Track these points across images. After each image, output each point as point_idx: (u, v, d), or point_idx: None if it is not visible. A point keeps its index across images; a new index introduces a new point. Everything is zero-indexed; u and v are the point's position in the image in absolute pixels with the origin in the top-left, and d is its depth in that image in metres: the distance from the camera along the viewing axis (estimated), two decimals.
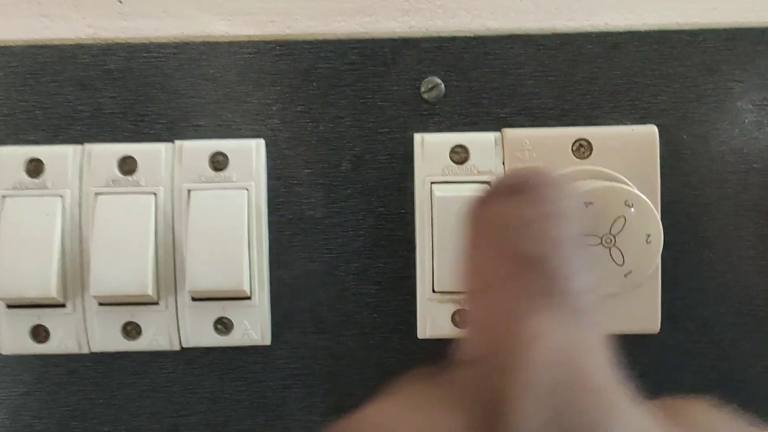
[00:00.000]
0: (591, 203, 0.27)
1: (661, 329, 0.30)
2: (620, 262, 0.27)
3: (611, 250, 0.27)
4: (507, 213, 0.20)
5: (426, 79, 0.30)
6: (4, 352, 0.29)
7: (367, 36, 0.30)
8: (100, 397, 0.30)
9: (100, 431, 0.30)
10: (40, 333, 0.29)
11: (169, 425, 0.30)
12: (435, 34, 0.30)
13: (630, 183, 0.28)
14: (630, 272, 0.27)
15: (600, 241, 0.27)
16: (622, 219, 0.27)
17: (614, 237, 0.27)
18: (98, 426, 0.30)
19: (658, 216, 0.27)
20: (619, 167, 0.29)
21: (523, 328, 0.18)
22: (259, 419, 0.30)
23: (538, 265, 0.19)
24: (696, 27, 0.30)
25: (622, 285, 0.27)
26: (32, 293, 0.28)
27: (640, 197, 0.27)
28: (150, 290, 0.28)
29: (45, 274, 0.28)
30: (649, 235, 0.27)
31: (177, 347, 0.29)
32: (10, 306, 0.29)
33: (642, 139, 0.29)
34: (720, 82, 0.30)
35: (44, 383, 0.30)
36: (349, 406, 0.30)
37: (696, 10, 0.31)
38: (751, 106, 0.30)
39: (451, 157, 0.29)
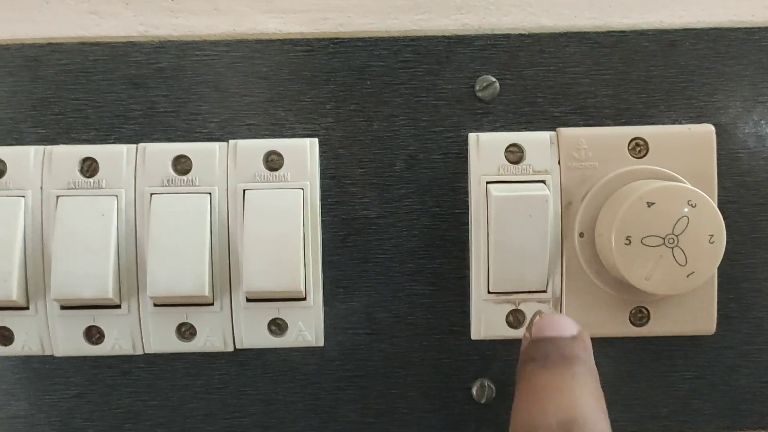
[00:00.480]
0: (653, 203, 0.26)
1: (716, 330, 0.30)
2: (683, 263, 0.26)
3: (674, 250, 0.26)
4: None
5: (480, 78, 0.30)
6: (57, 354, 0.29)
7: (420, 33, 0.30)
8: (153, 398, 0.30)
9: None
10: (93, 334, 0.29)
11: (223, 427, 0.30)
12: (489, 32, 0.30)
13: (687, 183, 0.28)
14: (693, 273, 0.27)
15: (663, 241, 0.26)
16: (685, 219, 0.26)
17: (677, 237, 0.26)
18: (152, 428, 0.30)
19: (721, 216, 0.27)
20: (675, 167, 0.29)
21: None
22: (312, 421, 0.30)
23: None
24: (752, 25, 0.30)
25: (684, 285, 0.27)
26: (88, 294, 0.27)
27: (704, 197, 0.26)
28: (207, 291, 0.28)
29: (101, 274, 0.27)
30: (712, 236, 0.26)
31: (231, 348, 0.29)
32: (63, 307, 0.28)
33: (699, 138, 0.29)
34: None
35: (97, 385, 0.30)
36: (402, 408, 0.30)
37: (751, 7, 0.30)
38: None
39: (506, 157, 0.29)
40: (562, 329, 0.25)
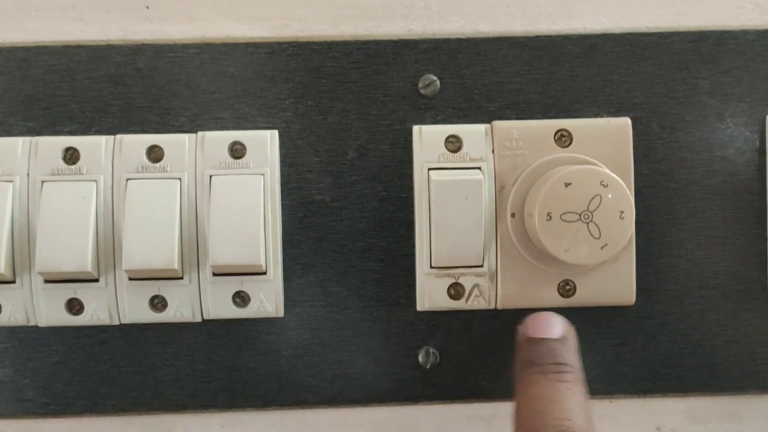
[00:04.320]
0: (570, 183, 0.30)
1: (636, 302, 0.33)
2: (597, 236, 0.30)
3: (589, 225, 0.30)
4: None
5: (423, 77, 0.33)
6: (41, 324, 0.32)
7: (370, 38, 0.33)
8: (128, 365, 0.33)
9: (128, 396, 0.33)
10: (74, 306, 0.32)
11: (191, 391, 0.33)
12: (431, 37, 0.34)
13: (604, 167, 0.32)
14: (606, 245, 0.30)
15: (579, 217, 0.30)
16: (598, 197, 0.30)
17: (591, 213, 0.30)
18: (126, 392, 0.33)
19: (631, 194, 0.30)
20: (596, 155, 0.32)
21: None
22: (273, 385, 0.33)
23: None
24: (665, 30, 0.34)
25: (598, 256, 0.30)
26: (69, 268, 0.30)
27: (614, 177, 0.30)
28: (176, 265, 0.31)
29: (81, 251, 0.31)
30: (622, 212, 0.30)
31: (199, 319, 0.32)
32: (47, 281, 0.31)
33: (617, 129, 0.33)
34: (687, 80, 0.34)
35: (77, 353, 0.33)
36: (354, 374, 0.33)
37: (665, 15, 0.34)
38: (714, 101, 0.34)
39: (446, 146, 0.33)
40: (552, 330, 0.30)
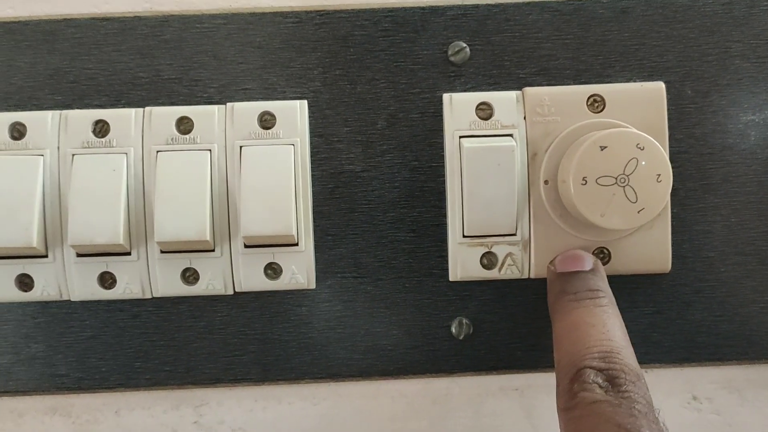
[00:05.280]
0: (606, 147, 0.29)
1: (671, 269, 0.32)
2: (633, 200, 0.29)
3: (625, 189, 0.29)
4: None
5: (452, 44, 0.33)
6: (73, 299, 0.32)
7: (398, 5, 0.33)
8: (161, 339, 0.33)
9: (161, 371, 0.33)
10: (106, 279, 0.32)
11: (224, 364, 0.33)
12: (460, 3, 0.33)
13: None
14: (643, 209, 0.30)
15: (615, 181, 0.29)
16: (635, 161, 0.29)
17: (628, 177, 0.29)
18: (159, 366, 0.33)
19: (667, 157, 0.30)
20: (630, 120, 0.32)
21: None
22: (305, 358, 0.33)
23: None
24: None
25: (635, 221, 0.30)
26: (101, 240, 0.30)
27: (650, 140, 0.29)
28: (208, 236, 0.30)
29: (113, 223, 0.30)
30: (659, 175, 0.29)
31: (231, 292, 0.32)
32: (79, 255, 0.31)
33: (651, 94, 0.32)
34: (719, 42, 0.33)
35: (110, 327, 0.33)
36: (387, 346, 0.33)
37: None
38: (747, 63, 0.33)
39: (477, 114, 0.32)
40: (582, 264, 0.30)
